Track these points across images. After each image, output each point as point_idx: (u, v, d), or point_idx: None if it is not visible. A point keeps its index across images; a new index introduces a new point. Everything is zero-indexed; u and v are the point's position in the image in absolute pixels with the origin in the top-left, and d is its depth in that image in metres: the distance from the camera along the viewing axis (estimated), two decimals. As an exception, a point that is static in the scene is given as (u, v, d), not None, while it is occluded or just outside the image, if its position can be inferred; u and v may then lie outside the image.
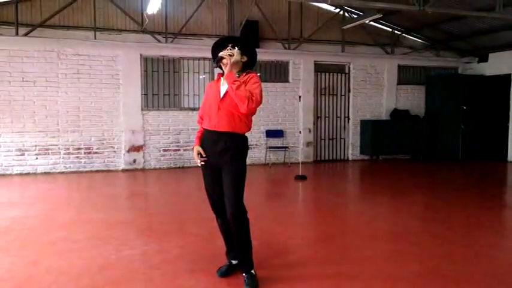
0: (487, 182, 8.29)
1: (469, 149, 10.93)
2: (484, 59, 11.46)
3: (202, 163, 3.21)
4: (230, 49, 3.12)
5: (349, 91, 11.06)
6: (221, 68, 3.15)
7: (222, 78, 3.19)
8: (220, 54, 3.08)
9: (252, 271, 3.18)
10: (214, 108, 3.12)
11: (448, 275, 3.39)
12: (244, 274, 3.16)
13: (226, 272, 3.32)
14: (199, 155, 3.21)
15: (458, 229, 4.80)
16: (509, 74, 10.74)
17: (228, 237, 3.33)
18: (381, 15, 8.90)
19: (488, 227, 4.97)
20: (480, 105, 11.00)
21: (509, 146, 10.82)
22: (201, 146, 3.24)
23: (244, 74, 3.16)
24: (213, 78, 9.57)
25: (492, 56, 11.25)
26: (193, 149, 3.32)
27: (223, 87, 3.14)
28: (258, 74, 3.37)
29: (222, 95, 3.12)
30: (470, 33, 10.44)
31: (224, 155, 3.12)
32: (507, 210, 6.15)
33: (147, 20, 9.10)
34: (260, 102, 3.05)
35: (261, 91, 3.08)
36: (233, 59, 3.07)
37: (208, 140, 3.18)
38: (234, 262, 3.36)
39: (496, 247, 4.28)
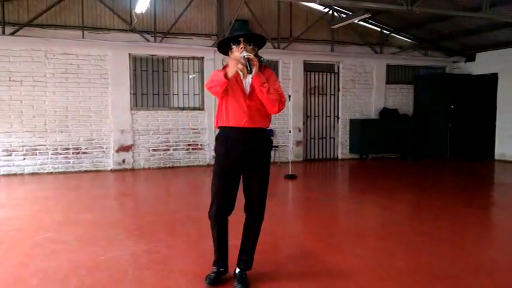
0: (474, 180, 8.39)
1: (457, 147, 11.05)
2: (471, 58, 11.60)
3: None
4: (244, 46, 2.92)
5: (338, 90, 11.11)
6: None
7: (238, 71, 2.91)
8: (246, 55, 2.83)
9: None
10: (242, 105, 2.96)
11: (436, 272, 3.42)
12: (238, 271, 3.15)
13: (215, 280, 3.14)
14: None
15: (446, 227, 4.85)
16: (496, 73, 10.88)
17: (223, 245, 3.17)
18: (370, 15, 8.98)
19: (475, 224, 5.03)
20: (468, 104, 11.15)
21: (496, 144, 10.96)
22: (220, 147, 3.04)
23: (262, 69, 2.99)
24: (202, 78, 9.61)
25: (479, 56, 11.38)
26: (226, 69, 2.88)
27: (246, 82, 2.99)
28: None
29: (248, 91, 2.99)
30: (457, 33, 10.56)
31: (256, 153, 3.02)
32: (494, 207, 6.24)
33: (136, 19, 9.04)
34: (286, 100, 3.04)
35: (281, 88, 3.07)
36: (252, 56, 2.88)
37: (236, 138, 2.98)
38: (221, 270, 3.21)
39: (483, 244, 4.34)
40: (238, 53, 2.92)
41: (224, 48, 3.11)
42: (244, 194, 3.13)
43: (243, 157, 3.01)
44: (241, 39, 2.95)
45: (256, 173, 3.06)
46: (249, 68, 2.82)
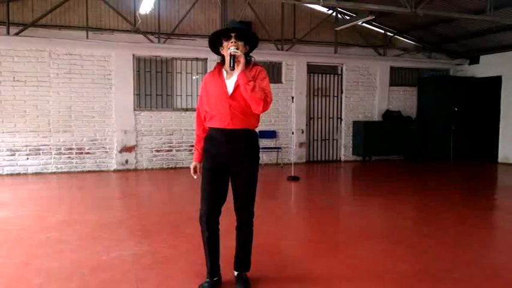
0: (477, 183, 8.37)
1: (460, 150, 11.02)
2: (475, 60, 11.57)
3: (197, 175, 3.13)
4: (234, 41, 2.84)
5: (341, 92, 11.11)
6: (223, 60, 2.98)
7: (224, 70, 2.97)
8: (232, 52, 2.78)
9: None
10: (224, 106, 2.89)
11: (438, 275, 3.41)
12: (238, 273, 3.15)
13: None
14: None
15: (448, 229, 4.84)
16: (500, 76, 10.84)
17: (215, 252, 3.09)
18: (373, 17, 8.97)
19: (478, 227, 5.01)
20: (471, 107, 11.12)
21: (500, 146, 10.93)
22: (208, 147, 3.02)
23: (250, 67, 2.93)
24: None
25: (483, 58, 11.35)
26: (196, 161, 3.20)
27: (230, 81, 2.91)
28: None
29: (230, 91, 2.89)
30: (461, 35, 10.53)
31: (240, 155, 2.97)
32: (497, 210, 6.21)
33: (140, 20, 9.07)
34: (272, 100, 2.94)
35: (270, 87, 2.96)
36: (239, 53, 2.81)
37: (220, 139, 2.94)
38: (215, 279, 3.12)
39: (486, 247, 4.33)
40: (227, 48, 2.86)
41: (216, 46, 3.02)
42: (233, 195, 3.08)
43: (229, 157, 2.96)
44: (232, 35, 2.86)
45: (242, 176, 3.01)
46: (231, 65, 2.80)
